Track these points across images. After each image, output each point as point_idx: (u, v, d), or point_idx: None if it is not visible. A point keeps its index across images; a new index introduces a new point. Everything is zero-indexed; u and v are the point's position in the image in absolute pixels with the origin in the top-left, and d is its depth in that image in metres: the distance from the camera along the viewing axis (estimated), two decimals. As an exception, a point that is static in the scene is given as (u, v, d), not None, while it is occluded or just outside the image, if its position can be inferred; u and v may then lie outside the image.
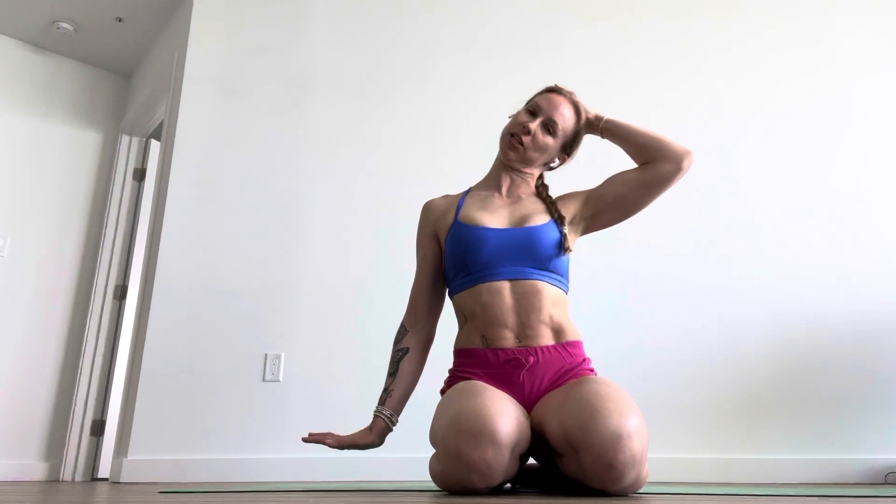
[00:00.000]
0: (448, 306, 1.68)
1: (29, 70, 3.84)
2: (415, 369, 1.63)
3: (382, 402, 1.59)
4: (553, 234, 1.55)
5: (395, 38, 3.18)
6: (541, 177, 1.73)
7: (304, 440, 1.54)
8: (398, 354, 1.63)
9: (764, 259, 2.91)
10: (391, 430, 1.58)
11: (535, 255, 1.52)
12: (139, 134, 3.96)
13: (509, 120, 1.69)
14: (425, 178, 2.88)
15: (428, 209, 1.73)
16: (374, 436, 1.56)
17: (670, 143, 1.60)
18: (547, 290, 1.52)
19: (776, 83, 3.17)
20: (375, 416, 1.57)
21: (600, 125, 1.67)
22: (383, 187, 2.93)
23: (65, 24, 3.67)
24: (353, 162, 2.97)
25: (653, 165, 1.60)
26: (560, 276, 1.57)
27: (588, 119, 1.68)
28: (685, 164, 1.59)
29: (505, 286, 1.51)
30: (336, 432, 1.57)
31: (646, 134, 1.62)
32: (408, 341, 1.64)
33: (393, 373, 1.61)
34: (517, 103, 1.72)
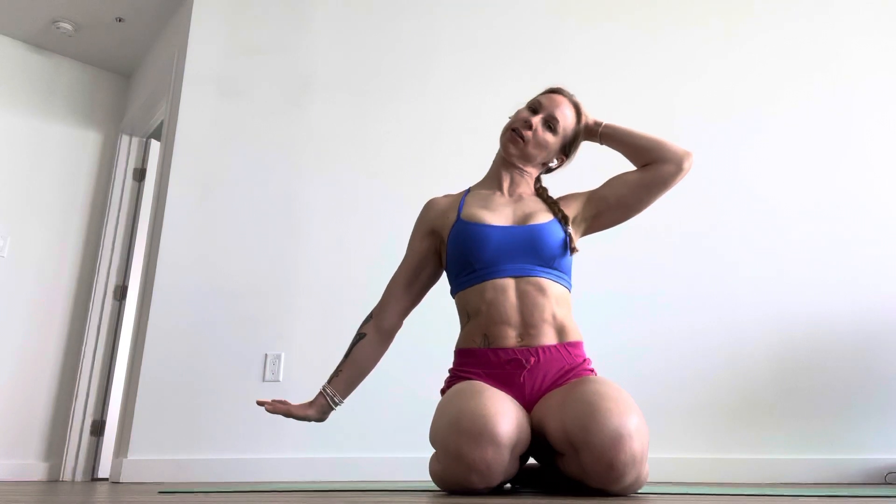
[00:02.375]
0: (441, 304, 1.68)
1: (29, 70, 3.84)
2: (368, 356, 1.65)
3: (330, 380, 1.63)
4: (557, 233, 1.55)
5: (395, 38, 3.18)
6: (539, 179, 1.74)
7: (258, 402, 1.57)
8: (355, 338, 1.67)
9: (764, 259, 2.91)
10: (333, 408, 1.61)
11: (540, 253, 1.52)
12: (139, 134, 3.96)
13: (509, 119, 1.70)
14: (425, 178, 2.88)
15: (429, 207, 1.73)
16: (312, 410, 1.59)
17: (670, 145, 1.62)
18: (551, 287, 1.52)
19: (778, 84, 3.17)
20: (319, 393, 1.61)
21: (599, 130, 1.68)
22: (383, 187, 2.93)
23: (65, 24, 3.67)
24: (353, 162, 2.97)
25: (654, 167, 1.62)
26: (564, 274, 1.57)
27: (587, 124, 1.68)
28: (686, 164, 1.61)
29: (510, 283, 1.51)
30: (292, 402, 1.61)
31: (645, 137, 1.63)
32: (367, 328, 1.67)
33: (346, 354, 1.66)
34: (518, 103, 1.73)
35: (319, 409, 1.60)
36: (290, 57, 3.08)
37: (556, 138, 1.65)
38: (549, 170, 1.74)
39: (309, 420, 1.60)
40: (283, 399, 1.61)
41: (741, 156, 3.06)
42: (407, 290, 1.69)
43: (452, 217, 1.63)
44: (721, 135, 3.07)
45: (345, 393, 1.63)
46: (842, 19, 3.28)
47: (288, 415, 1.58)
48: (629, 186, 1.63)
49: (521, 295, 1.50)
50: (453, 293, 1.62)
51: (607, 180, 1.68)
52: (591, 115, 1.71)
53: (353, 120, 3.03)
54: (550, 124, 1.64)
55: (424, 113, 3.07)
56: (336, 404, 1.61)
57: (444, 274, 1.68)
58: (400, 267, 1.71)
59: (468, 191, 1.72)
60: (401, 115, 3.06)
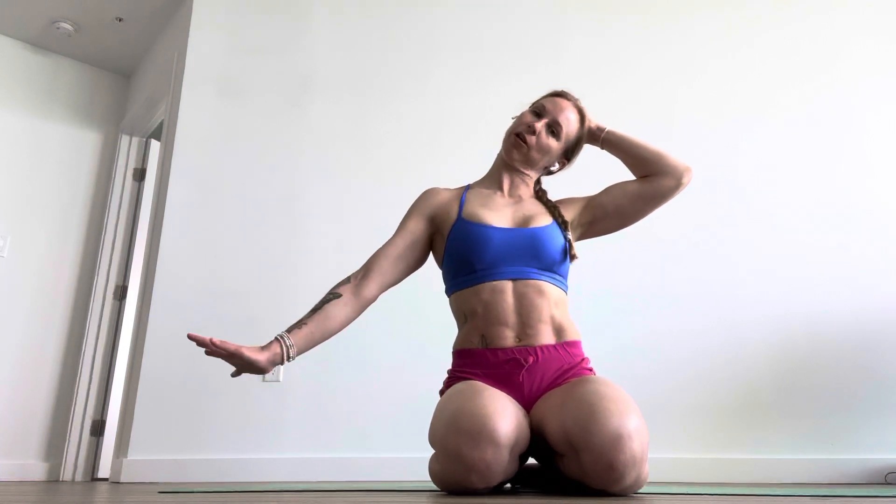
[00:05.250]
0: (441, 304, 1.67)
1: (29, 70, 3.84)
2: (336, 317, 1.51)
3: (289, 329, 1.48)
4: (557, 238, 1.55)
5: (395, 38, 3.18)
6: (538, 181, 1.74)
7: (189, 336, 1.37)
8: (328, 296, 1.55)
9: (765, 259, 2.91)
10: (283, 362, 1.44)
11: (539, 256, 1.52)
12: (139, 134, 3.96)
13: (513, 121, 1.70)
14: (425, 178, 2.85)
15: (431, 193, 1.71)
16: (263, 356, 1.40)
17: (671, 158, 1.62)
18: (549, 290, 1.52)
19: (779, 85, 3.17)
20: (275, 339, 1.44)
21: (601, 136, 1.67)
22: (383, 188, 2.93)
23: (65, 24, 3.67)
24: (353, 162, 2.97)
25: (653, 179, 1.62)
26: (561, 278, 1.57)
27: (590, 128, 1.68)
28: (685, 179, 1.62)
29: (507, 286, 1.51)
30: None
31: (647, 148, 1.63)
32: (344, 289, 1.56)
33: (315, 309, 1.52)
34: (521, 105, 1.72)
35: (270, 358, 1.41)
36: (290, 57, 3.08)
37: (559, 143, 1.65)
38: (550, 172, 1.74)
39: (257, 369, 1.41)
40: (220, 340, 1.39)
41: (741, 156, 3.06)
42: (394, 264, 1.61)
43: (454, 214, 1.62)
44: (721, 135, 3.07)
45: (301, 349, 1.46)
46: (841, 20, 3.28)
47: (234, 354, 1.38)
48: (627, 196, 1.64)
49: (519, 297, 1.50)
50: (448, 293, 1.61)
51: (606, 188, 1.68)
52: (595, 120, 1.70)
53: (353, 120, 3.03)
54: (554, 129, 1.64)
55: (424, 113, 3.07)
56: (289, 358, 1.44)
57: (441, 272, 1.67)
58: (391, 241, 1.64)
59: (468, 188, 1.72)
60: (401, 115, 3.05)
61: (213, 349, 1.37)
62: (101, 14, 3.62)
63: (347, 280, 1.59)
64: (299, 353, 1.46)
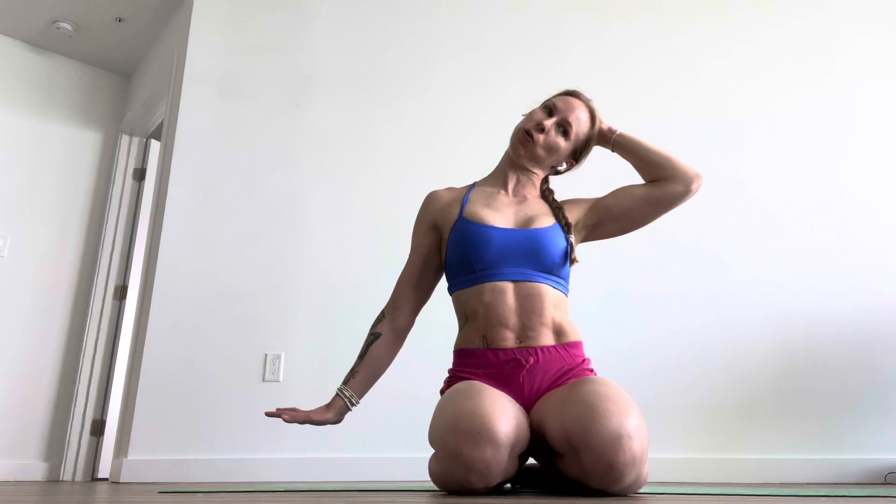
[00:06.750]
0: (441, 304, 1.67)
1: (29, 70, 3.84)
2: (383, 355, 1.62)
3: (346, 381, 1.60)
4: (559, 240, 1.54)
5: (395, 38, 3.18)
6: (546, 180, 1.72)
7: (267, 414, 1.52)
8: (370, 338, 1.64)
9: (765, 259, 2.91)
10: (350, 409, 1.58)
11: (540, 259, 1.51)
12: (139, 134, 3.96)
13: (522, 117, 1.68)
14: (425, 178, 2.86)
15: (430, 200, 1.71)
16: (331, 413, 1.56)
17: (681, 164, 1.60)
18: (549, 292, 1.52)
19: (779, 85, 3.17)
20: (336, 395, 1.58)
21: (612, 138, 1.66)
22: (383, 187, 2.93)
23: (65, 24, 3.67)
24: (353, 162, 2.97)
25: (662, 184, 1.61)
26: (562, 280, 1.56)
27: (601, 130, 1.67)
28: (694, 186, 1.60)
29: (508, 287, 1.51)
30: (301, 408, 1.58)
31: (657, 152, 1.62)
32: (381, 327, 1.64)
33: (361, 355, 1.62)
34: (523, 105, 1.71)
35: (338, 412, 1.56)
36: (290, 57, 3.08)
37: (568, 143, 1.63)
38: (557, 172, 1.72)
39: (330, 424, 1.57)
40: (292, 407, 1.57)
41: (741, 156, 3.06)
42: (417, 287, 1.66)
43: (455, 213, 1.61)
44: (721, 135, 3.07)
45: (361, 394, 1.60)
46: (841, 20, 3.28)
47: (306, 422, 1.54)
48: (634, 200, 1.62)
49: (519, 299, 1.49)
50: (451, 291, 1.61)
51: (613, 190, 1.66)
52: (606, 121, 1.69)
53: (353, 120, 3.03)
54: (563, 128, 1.62)
55: (424, 113, 3.07)
56: (354, 405, 1.58)
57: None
58: (407, 265, 1.69)
59: (472, 186, 1.71)
60: (401, 114, 3.05)
61: (290, 420, 1.52)
62: (101, 14, 3.62)
63: (382, 317, 1.67)
64: (360, 397, 1.60)
